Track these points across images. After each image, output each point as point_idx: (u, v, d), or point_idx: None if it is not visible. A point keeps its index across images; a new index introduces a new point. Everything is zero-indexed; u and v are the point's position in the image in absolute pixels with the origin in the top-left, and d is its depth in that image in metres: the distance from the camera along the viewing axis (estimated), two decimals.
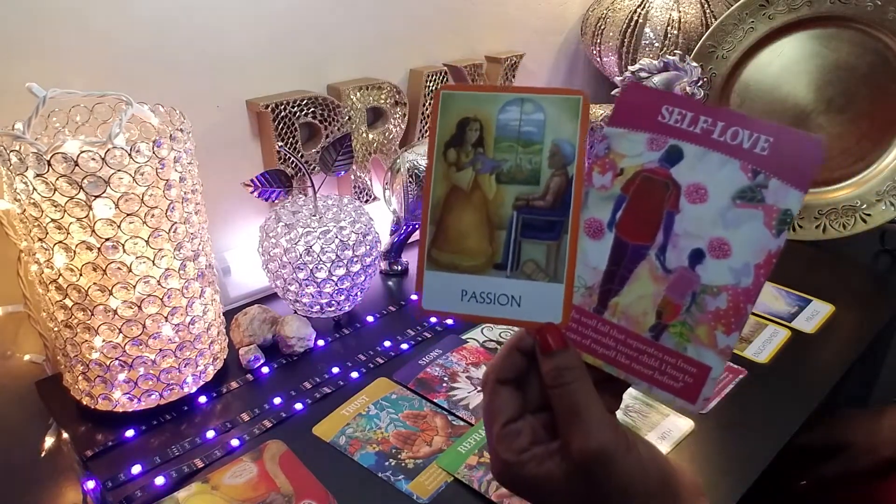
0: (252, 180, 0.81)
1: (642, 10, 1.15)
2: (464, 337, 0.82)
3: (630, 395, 0.71)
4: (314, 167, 0.91)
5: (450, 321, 0.84)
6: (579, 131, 0.36)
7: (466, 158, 0.37)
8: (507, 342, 0.38)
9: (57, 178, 0.56)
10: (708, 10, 1.14)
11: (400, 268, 0.99)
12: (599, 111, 1.12)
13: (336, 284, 0.81)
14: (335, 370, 0.76)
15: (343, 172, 0.86)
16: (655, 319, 0.37)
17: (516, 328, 0.38)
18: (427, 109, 1.04)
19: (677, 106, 0.37)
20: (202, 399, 0.71)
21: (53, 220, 0.59)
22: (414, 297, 0.92)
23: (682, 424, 0.67)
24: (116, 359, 0.65)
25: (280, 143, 0.87)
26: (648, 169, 0.37)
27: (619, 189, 0.38)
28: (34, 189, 0.57)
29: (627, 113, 0.38)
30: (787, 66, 1.05)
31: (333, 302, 0.83)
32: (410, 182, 0.91)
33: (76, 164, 0.56)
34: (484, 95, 0.37)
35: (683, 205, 0.37)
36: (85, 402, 0.68)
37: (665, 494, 0.36)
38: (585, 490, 0.35)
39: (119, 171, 0.58)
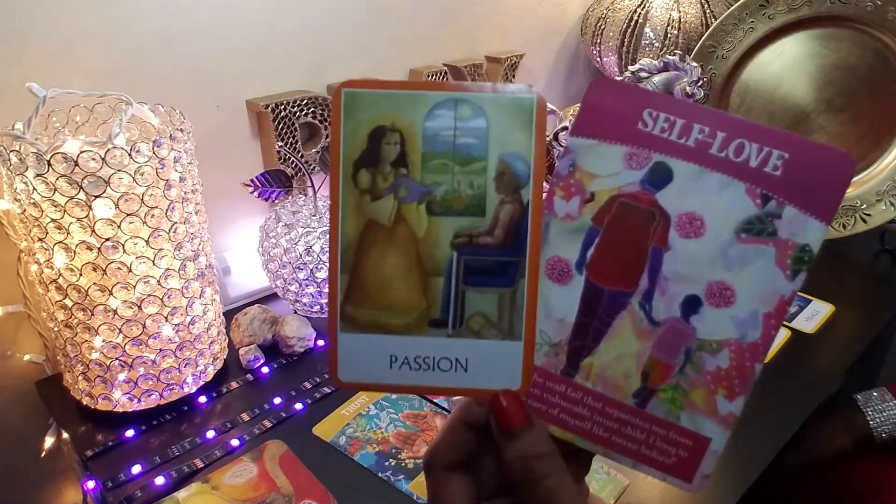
0: (252, 180, 0.81)
1: (642, 10, 1.15)
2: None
3: None
4: (314, 167, 0.91)
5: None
6: (535, 143, 0.28)
7: (385, 183, 0.28)
8: (451, 417, 0.30)
9: (57, 178, 0.56)
10: (708, 10, 1.14)
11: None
12: None
13: None
14: None
15: None
16: (641, 383, 0.30)
17: (459, 398, 0.30)
18: None
19: (663, 110, 0.29)
20: (202, 399, 0.71)
21: (53, 220, 0.59)
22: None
23: None
24: (116, 359, 0.65)
25: (280, 143, 0.87)
26: (627, 193, 0.29)
27: (589, 219, 0.30)
28: (34, 189, 0.57)
29: (597, 118, 0.29)
30: (787, 66, 1.05)
31: None
32: None
33: (76, 164, 0.56)
34: (404, 95, 0.28)
35: (674, 240, 0.29)
36: (85, 402, 0.68)
37: None
38: None
39: (119, 171, 0.58)
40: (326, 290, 0.81)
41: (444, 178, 0.28)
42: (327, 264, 0.81)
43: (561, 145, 0.93)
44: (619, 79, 1.08)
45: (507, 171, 0.28)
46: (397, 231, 0.29)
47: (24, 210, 0.59)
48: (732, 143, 0.28)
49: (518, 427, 0.28)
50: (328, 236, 0.29)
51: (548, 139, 0.92)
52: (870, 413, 0.81)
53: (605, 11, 1.20)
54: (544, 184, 0.28)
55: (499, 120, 0.28)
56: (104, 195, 0.58)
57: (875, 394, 0.82)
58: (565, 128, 0.96)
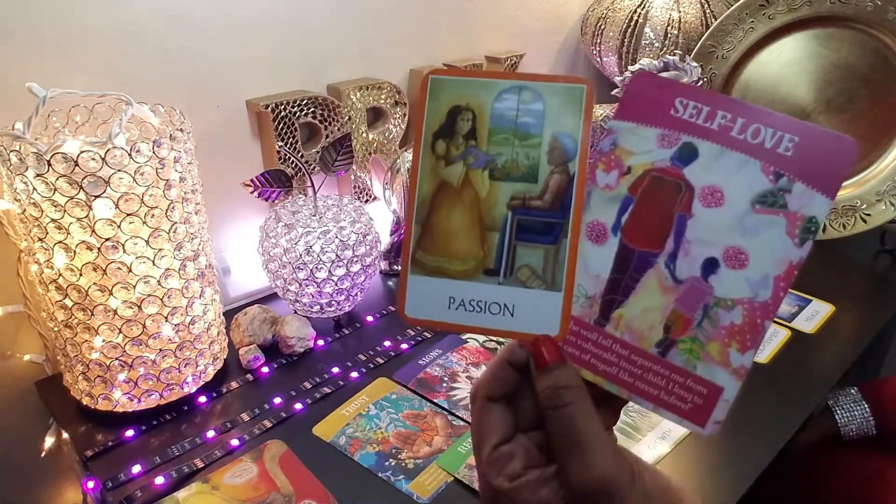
0: (252, 180, 0.81)
1: (642, 10, 1.15)
2: (464, 337, 0.82)
3: None
4: (314, 167, 0.91)
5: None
6: (582, 124, 0.33)
7: (457, 151, 0.34)
8: (498, 355, 0.35)
9: (57, 178, 0.56)
10: (708, 10, 1.14)
11: (400, 268, 0.99)
12: (599, 111, 1.12)
13: (336, 284, 0.81)
14: (335, 370, 0.76)
15: (343, 172, 0.86)
16: (663, 334, 0.34)
17: (508, 340, 0.35)
18: None
19: (693, 99, 0.33)
20: (202, 399, 0.71)
21: (53, 220, 0.59)
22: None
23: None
24: (116, 359, 0.65)
25: (280, 143, 0.87)
26: (659, 168, 0.34)
27: (625, 189, 0.34)
28: (34, 189, 0.57)
29: (636, 105, 0.34)
30: (787, 66, 1.05)
31: (333, 302, 0.83)
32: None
33: (76, 164, 0.56)
34: (478, 81, 0.34)
35: (697, 208, 0.33)
36: (85, 402, 0.68)
37: None
38: None
39: (119, 171, 0.58)
40: (325, 290, 0.81)
41: (506, 149, 0.34)
42: (327, 264, 0.81)
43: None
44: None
45: (558, 147, 0.33)
46: (464, 192, 0.34)
47: (24, 210, 0.59)
48: (750, 128, 0.33)
49: (550, 364, 0.32)
50: (407, 195, 0.36)
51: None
52: (838, 412, 0.82)
53: (605, 11, 1.20)
54: (588, 158, 0.33)
55: (553, 104, 0.33)
56: (104, 195, 0.58)
57: (846, 393, 0.84)
58: None
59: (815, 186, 0.32)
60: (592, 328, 0.35)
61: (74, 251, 0.60)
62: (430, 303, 0.34)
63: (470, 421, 0.36)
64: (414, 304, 0.34)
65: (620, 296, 0.34)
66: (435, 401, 0.71)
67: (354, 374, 0.75)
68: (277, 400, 0.71)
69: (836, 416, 0.82)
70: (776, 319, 0.86)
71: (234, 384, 0.74)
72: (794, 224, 0.32)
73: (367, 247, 0.82)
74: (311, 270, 0.79)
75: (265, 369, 0.76)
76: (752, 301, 0.32)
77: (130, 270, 0.62)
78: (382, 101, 0.97)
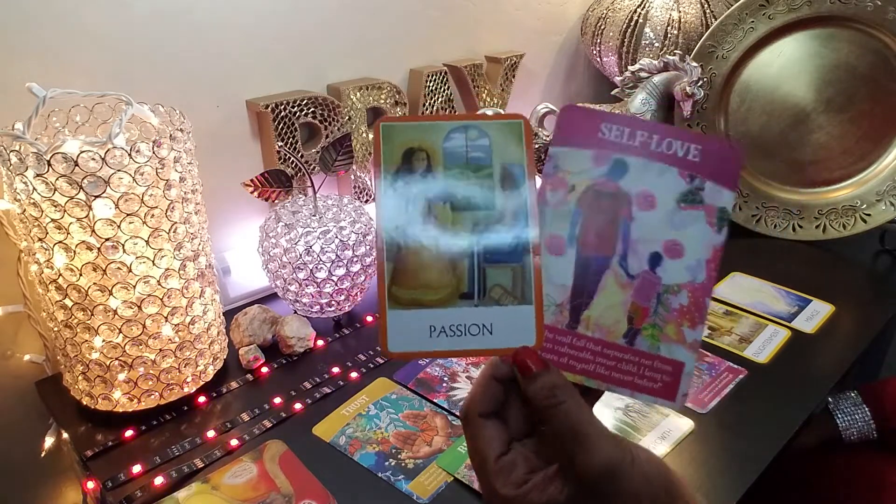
0: (252, 180, 0.81)
1: (642, 10, 1.15)
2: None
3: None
4: (314, 167, 0.91)
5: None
6: (526, 153, 0.37)
7: (416, 188, 0.36)
8: (482, 373, 0.37)
9: (57, 178, 0.56)
10: (708, 10, 1.14)
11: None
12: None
13: (336, 284, 0.81)
14: (335, 370, 0.76)
15: (343, 172, 0.86)
16: (628, 325, 0.38)
17: (486, 357, 0.37)
18: (427, 109, 1.04)
19: (615, 123, 0.39)
20: (202, 399, 0.71)
21: (53, 220, 0.59)
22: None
23: (682, 424, 0.67)
24: (116, 359, 0.65)
25: (280, 143, 0.87)
26: (598, 183, 0.39)
27: (573, 205, 0.38)
28: (34, 189, 0.57)
29: (568, 132, 0.39)
30: (787, 66, 1.05)
31: (333, 302, 0.83)
32: None
33: (76, 164, 0.56)
34: (426, 125, 0.37)
35: (635, 213, 0.38)
36: (85, 402, 0.68)
37: (670, 501, 0.35)
38: None
39: (119, 171, 0.58)
40: (325, 290, 0.81)
41: (461, 182, 0.37)
42: (327, 264, 0.81)
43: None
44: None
45: (508, 175, 0.37)
46: (429, 225, 0.36)
47: (24, 210, 0.60)
48: (664, 142, 0.39)
49: (534, 371, 0.35)
50: (375, 233, 0.37)
51: (547, 139, 0.92)
52: (839, 416, 0.82)
53: (605, 11, 1.20)
54: (537, 180, 0.37)
55: (498, 138, 0.37)
56: (104, 195, 0.58)
57: (846, 396, 0.84)
58: None
59: (720, 183, 0.38)
60: (566, 332, 0.38)
61: (74, 251, 0.60)
62: (411, 335, 0.35)
63: (466, 441, 0.37)
64: (395, 339, 0.35)
65: (586, 299, 0.38)
66: (435, 401, 0.71)
67: (354, 374, 0.75)
68: (277, 400, 0.71)
69: (837, 420, 0.82)
70: (776, 319, 0.86)
71: (234, 384, 0.74)
72: (712, 215, 0.38)
73: (367, 247, 0.82)
74: (311, 270, 0.79)
75: (265, 369, 0.76)
76: (693, 283, 0.38)
77: (130, 270, 0.62)
78: (382, 101, 0.97)
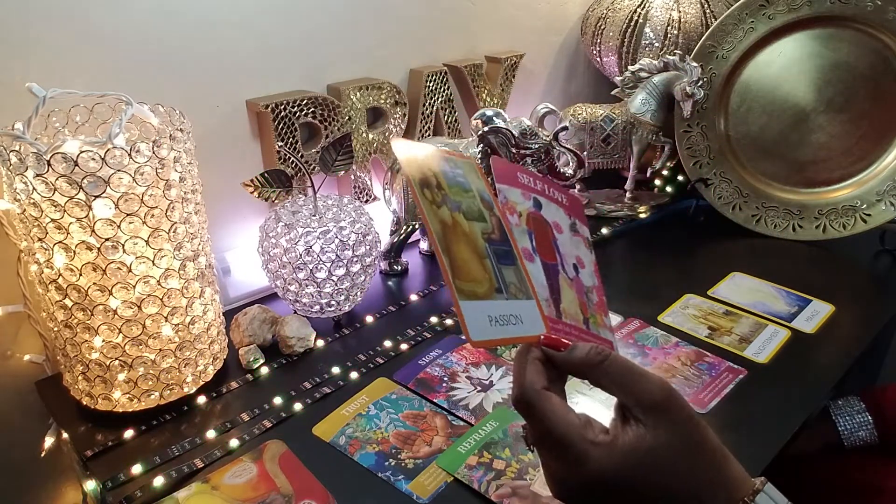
0: (252, 180, 0.81)
1: (642, 10, 1.15)
2: (463, 337, 0.82)
3: None
4: (314, 167, 0.91)
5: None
6: (485, 185, 0.45)
7: (439, 197, 0.40)
8: (522, 359, 0.41)
9: (57, 178, 0.56)
10: (708, 10, 1.14)
11: (400, 268, 0.99)
12: (600, 111, 1.12)
13: (336, 284, 0.81)
14: (335, 370, 0.76)
15: (343, 172, 0.86)
16: (582, 315, 0.47)
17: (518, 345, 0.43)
18: (427, 109, 1.04)
19: (525, 174, 0.49)
20: (202, 399, 0.71)
21: (53, 220, 0.59)
22: (414, 297, 0.92)
23: None
24: (116, 359, 0.65)
25: (280, 143, 0.87)
26: (531, 212, 0.48)
27: (525, 226, 0.46)
28: (34, 189, 0.57)
29: (502, 176, 0.47)
30: (787, 66, 1.05)
31: (333, 302, 0.83)
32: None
33: (76, 164, 0.56)
34: (426, 156, 0.43)
35: (555, 234, 0.49)
36: (85, 402, 0.68)
37: (697, 417, 0.40)
38: (665, 430, 0.38)
39: (119, 171, 0.58)
40: (325, 290, 0.81)
41: (461, 198, 0.42)
42: (327, 264, 0.81)
43: (561, 145, 0.93)
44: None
45: (483, 199, 0.44)
46: (457, 228, 0.41)
47: (24, 210, 0.60)
48: (551, 190, 0.51)
49: (568, 346, 0.41)
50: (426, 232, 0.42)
51: (547, 139, 0.92)
52: (840, 420, 0.82)
53: (605, 11, 1.20)
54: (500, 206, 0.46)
55: (466, 170, 0.45)
56: (104, 195, 0.58)
57: (846, 402, 0.84)
58: (565, 128, 0.96)
59: (580, 220, 0.53)
60: (557, 321, 0.45)
61: (74, 251, 0.60)
62: (482, 324, 0.38)
63: (533, 423, 0.40)
64: (474, 328, 0.38)
65: (556, 295, 0.46)
66: (435, 401, 0.71)
67: (354, 374, 0.75)
68: (277, 400, 0.71)
69: (838, 425, 0.82)
70: (776, 319, 0.86)
71: (234, 384, 0.74)
72: (586, 240, 0.52)
73: (367, 247, 0.82)
74: (311, 270, 0.79)
75: (265, 369, 0.76)
76: (594, 286, 0.51)
77: (130, 270, 0.62)
78: (382, 101, 0.97)
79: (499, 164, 0.48)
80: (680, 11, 1.13)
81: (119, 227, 0.60)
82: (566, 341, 0.41)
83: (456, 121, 1.09)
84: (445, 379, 0.74)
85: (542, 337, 0.41)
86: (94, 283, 0.62)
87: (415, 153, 0.42)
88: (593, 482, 0.39)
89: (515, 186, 0.47)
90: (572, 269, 0.48)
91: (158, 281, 0.64)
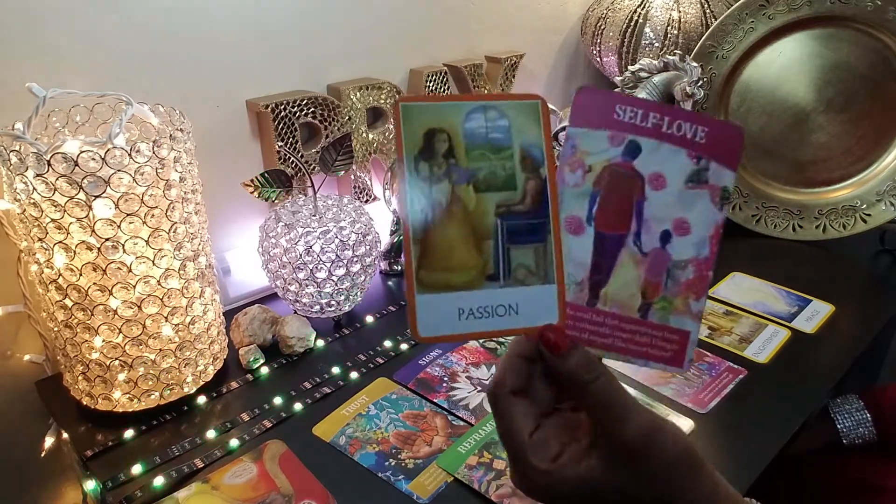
0: (252, 180, 0.81)
1: (642, 10, 1.15)
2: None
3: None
4: (314, 167, 0.91)
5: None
6: (543, 134, 0.37)
7: (440, 170, 0.36)
8: (508, 353, 0.38)
9: (57, 178, 0.56)
10: (708, 10, 1.14)
11: (400, 268, 0.99)
12: None
13: (336, 284, 0.81)
14: (335, 370, 0.76)
15: (343, 172, 0.86)
16: (641, 300, 0.40)
17: (513, 337, 0.38)
18: None
19: (628, 104, 0.40)
20: (202, 399, 0.71)
21: (53, 220, 0.59)
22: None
23: (682, 424, 0.67)
24: (116, 359, 0.65)
25: (280, 143, 0.87)
26: (614, 163, 0.40)
27: (590, 185, 0.40)
28: (34, 189, 0.57)
29: (585, 114, 0.40)
30: (787, 66, 1.05)
31: (333, 302, 0.83)
32: None
33: (76, 164, 0.56)
34: (445, 105, 0.37)
35: (648, 192, 0.40)
36: (85, 402, 0.68)
37: (694, 464, 0.37)
38: (629, 476, 0.36)
39: (119, 171, 0.58)
40: (325, 290, 0.81)
41: (484, 163, 0.37)
42: (327, 264, 0.81)
43: (561, 144, 0.93)
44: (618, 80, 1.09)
45: (528, 156, 0.37)
46: (454, 207, 0.36)
47: (24, 210, 0.60)
48: (675, 124, 0.40)
49: (565, 349, 0.36)
50: (402, 211, 0.36)
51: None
52: (840, 419, 0.82)
53: (605, 11, 1.20)
54: (555, 162, 0.38)
55: (516, 119, 0.37)
56: (104, 195, 0.58)
57: (846, 400, 0.84)
58: (564, 128, 0.96)
59: (723, 163, 0.40)
60: (586, 309, 0.40)
61: (74, 251, 0.60)
62: (440, 318, 0.36)
63: (496, 421, 0.38)
64: (425, 323, 0.36)
65: (604, 276, 0.40)
66: (435, 401, 0.71)
67: (354, 374, 0.75)
68: (277, 400, 0.71)
69: (838, 424, 0.82)
70: (777, 319, 0.86)
71: (234, 384, 0.74)
72: (715, 194, 0.40)
73: (367, 247, 0.82)
74: (311, 270, 0.79)
75: (265, 369, 0.76)
76: (697, 258, 0.40)
77: (130, 270, 0.62)
78: (382, 101, 0.97)
79: (587, 96, 0.40)
80: (680, 11, 1.13)
81: (119, 227, 0.60)
82: (563, 343, 0.37)
83: None
84: (445, 379, 0.74)
85: (542, 330, 0.37)
86: (95, 283, 0.62)
87: (429, 105, 0.37)
88: (529, 493, 0.38)
89: (601, 127, 0.40)
90: (656, 238, 0.40)
91: (158, 281, 0.64)
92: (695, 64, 1.03)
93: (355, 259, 0.81)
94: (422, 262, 0.36)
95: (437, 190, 0.36)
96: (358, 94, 0.93)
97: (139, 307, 0.64)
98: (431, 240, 0.36)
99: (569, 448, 0.37)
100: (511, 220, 0.37)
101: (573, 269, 0.39)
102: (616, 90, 1.04)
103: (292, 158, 0.88)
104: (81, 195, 0.58)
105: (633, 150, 0.40)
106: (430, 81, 1.02)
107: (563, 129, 0.95)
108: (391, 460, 0.63)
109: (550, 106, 1.07)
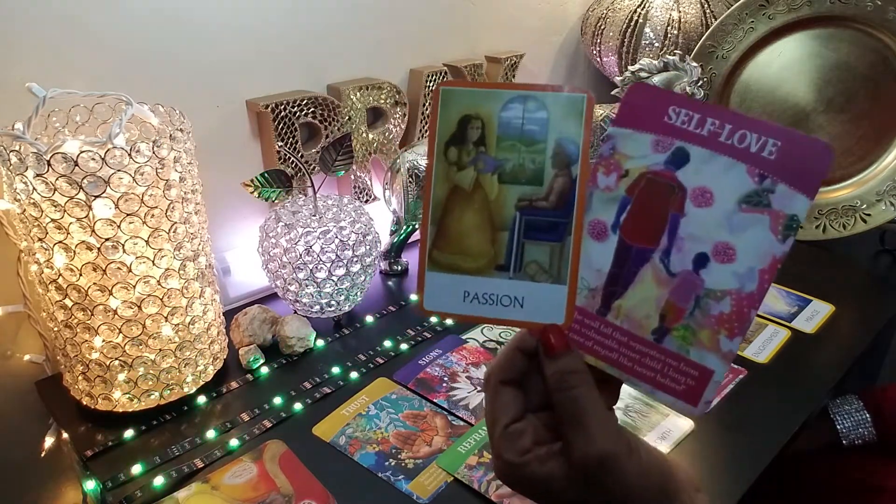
0: (252, 180, 0.81)
1: (642, 10, 1.15)
2: (464, 337, 0.82)
3: (630, 395, 0.71)
4: (314, 167, 0.91)
5: (450, 321, 0.84)
6: (583, 131, 0.35)
7: (468, 157, 0.36)
8: (509, 342, 0.38)
9: (57, 178, 0.56)
10: (708, 10, 1.14)
11: (400, 268, 0.99)
12: (599, 111, 1.12)
13: (336, 284, 0.81)
14: (335, 370, 0.76)
15: (343, 172, 0.86)
16: (658, 322, 0.36)
17: (518, 329, 0.38)
18: (427, 109, 1.04)
19: (684, 107, 0.36)
20: (202, 399, 0.71)
21: (53, 220, 0.59)
22: (413, 297, 0.92)
23: (682, 424, 0.67)
24: (116, 359, 0.65)
25: (280, 143, 0.87)
26: (654, 171, 0.36)
27: (623, 191, 0.37)
28: (34, 189, 0.57)
29: (633, 113, 0.37)
30: (787, 66, 1.05)
31: (333, 302, 0.83)
32: (410, 182, 0.91)
33: (76, 164, 0.56)
34: (485, 92, 0.36)
35: (689, 208, 0.36)
36: (85, 402, 0.68)
37: (664, 499, 0.36)
38: (585, 494, 0.35)
39: (119, 171, 0.58)
40: (325, 290, 0.81)
41: (513, 155, 0.36)
42: (327, 264, 0.81)
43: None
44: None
45: (561, 152, 0.36)
46: (475, 194, 0.36)
47: (24, 210, 0.59)
48: (737, 133, 0.35)
49: (558, 351, 0.36)
50: (423, 196, 0.37)
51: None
52: (839, 419, 0.82)
53: (605, 11, 1.20)
54: (589, 162, 0.36)
55: (556, 112, 0.36)
56: (104, 195, 0.58)
57: (845, 401, 0.84)
58: None
59: (796, 187, 0.34)
60: (595, 317, 0.37)
61: (74, 251, 0.60)
62: (446, 296, 0.37)
63: (484, 405, 0.39)
64: (432, 298, 0.37)
65: (620, 288, 0.37)
66: (435, 401, 0.71)
67: (354, 374, 0.75)
68: (277, 400, 0.71)
69: (837, 424, 0.82)
70: (777, 319, 0.86)
71: (234, 384, 0.74)
72: (778, 222, 0.35)
73: (367, 247, 0.82)
74: (311, 270, 0.79)
75: (265, 369, 0.76)
76: (740, 292, 0.35)
77: (130, 270, 0.62)
78: (382, 101, 0.97)
79: (639, 94, 0.37)
80: (680, 11, 1.13)
81: (119, 227, 0.60)
82: (555, 344, 0.36)
83: None
84: (445, 379, 0.74)
85: (544, 328, 0.36)
86: (94, 283, 0.62)
87: (468, 91, 0.37)
88: (502, 480, 0.38)
89: (648, 130, 0.36)
90: (689, 260, 0.36)
91: (158, 281, 0.64)
92: (695, 64, 1.03)
93: (355, 259, 0.81)
94: (436, 243, 0.37)
95: (461, 176, 0.36)
96: (358, 94, 0.93)
97: (139, 307, 0.64)
98: (447, 223, 0.37)
99: (541, 447, 0.36)
100: (531, 215, 0.36)
101: (588, 274, 0.37)
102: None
103: (292, 158, 0.88)
104: (81, 195, 0.58)
105: (679, 158, 0.36)
106: (430, 81, 1.02)
107: None
108: (391, 460, 0.63)
109: None
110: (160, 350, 0.67)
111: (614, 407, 0.40)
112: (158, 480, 0.60)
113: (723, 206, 0.35)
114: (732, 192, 0.35)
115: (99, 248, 0.60)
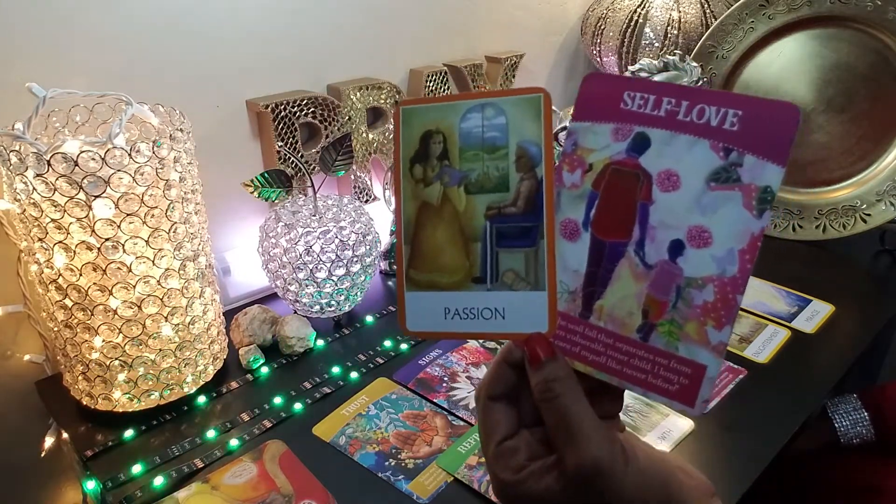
0: (252, 180, 0.81)
1: (642, 10, 1.15)
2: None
3: (629, 395, 0.71)
4: (314, 167, 0.91)
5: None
6: (543, 130, 0.34)
7: (433, 172, 0.36)
8: (496, 357, 0.37)
9: (57, 178, 0.56)
10: (708, 10, 1.14)
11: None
12: None
13: (336, 284, 0.81)
14: (335, 370, 0.76)
15: (343, 172, 0.86)
16: (642, 319, 0.34)
17: (505, 341, 0.37)
18: None
19: (639, 90, 0.35)
20: (202, 399, 0.71)
21: (53, 220, 0.59)
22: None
23: (682, 424, 0.67)
24: (116, 359, 0.65)
25: (280, 143, 0.87)
26: (616, 161, 0.35)
27: (589, 186, 0.36)
28: (34, 189, 0.57)
29: (590, 105, 0.36)
30: (787, 66, 1.05)
31: (333, 302, 0.83)
32: None
33: (76, 164, 0.56)
34: (444, 106, 0.36)
35: (656, 194, 0.34)
36: (85, 402, 0.68)
37: None
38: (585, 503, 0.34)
39: (119, 171, 0.58)
40: (325, 290, 0.81)
41: (477, 164, 0.36)
42: (327, 264, 0.81)
43: (561, 145, 0.93)
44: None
45: (524, 154, 0.35)
46: (444, 209, 0.36)
47: (24, 210, 0.60)
48: (695, 109, 0.33)
49: (545, 359, 0.34)
50: (395, 216, 0.38)
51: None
52: (837, 419, 0.82)
53: (605, 11, 1.20)
54: (553, 161, 0.35)
55: (515, 115, 0.35)
56: (104, 195, 0.58)
57: (843, 400, 0.84)
58: (564, 127, 0.96)
59: (765, 156, 0.32)
60: (578, 321, 0.36)
61: (74, 251, 0.60)
62: (427, 315, 0.36)
63: (478, 425, 0.37)
64: (413, 319, 0.36)
65: (599, 287, 0.35)
66: (435, 401, 0.71)
67: (354, 374, 0.75)
68: (277, 400, 0.71)
69: (836, 423, 0.82)
70: (776, 319, 0.86)
71: (234, 384, 0.74)
72: (750, 196, 0.32)
73: (367, 247, 0.82)
74: (311, 270, 0.79)
75: (265, 369, 0.76)
76: (722, 277, 0.33)
77: (130, 270, 0.62)
78: (382, 101, 0.97)
79: (592, 85, 0.36)
80: (680, 11, 1.13)
81: (119, 227, 0.60)
82: (540, 352, 0.34)
83: None
84: (445, 379, 0.74)
85: (528, 338, 0.34)
86: (94, 283, 0.62)
87: (428, 106, 0.36)
88: (501, 499, 0.37)
89: (606, 121, 0.35)
90: (664, 249, 0.34)
91: (158, 281, 0.64)
92: (695, 64, 1.03)
93: (355, 259, 0.81)
94: (412, 262, 0.36)
95: (428, 192, 0.36)
96: (358, 94, 0.93)
97: (139, 307, 0.64)
98: (421, 241, 0.36)
99: (536, 463, 0.35)
100: (501, 223, 0.35)
101: (566, 276, 0.36)
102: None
103: (292, 158, 0.88)
104: (81, 195, 0.58)
105: (640, 143, 0.34)
106: (430, 81, 1.02)
107: (564, 129, 0.95)
108: (391, 460, 0.63)
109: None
110: (160, 350, 0.67)
111: None
112: (158, 480, 0.60)
113: (691, 188, 0.33)
114: (698, 171, 0.33)
115: (99, 248, 0.60)
